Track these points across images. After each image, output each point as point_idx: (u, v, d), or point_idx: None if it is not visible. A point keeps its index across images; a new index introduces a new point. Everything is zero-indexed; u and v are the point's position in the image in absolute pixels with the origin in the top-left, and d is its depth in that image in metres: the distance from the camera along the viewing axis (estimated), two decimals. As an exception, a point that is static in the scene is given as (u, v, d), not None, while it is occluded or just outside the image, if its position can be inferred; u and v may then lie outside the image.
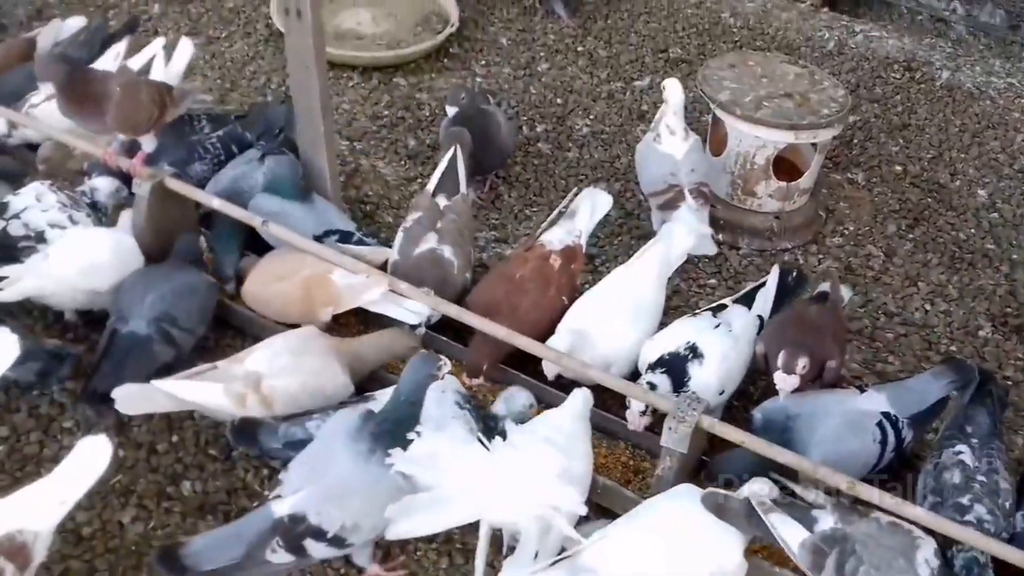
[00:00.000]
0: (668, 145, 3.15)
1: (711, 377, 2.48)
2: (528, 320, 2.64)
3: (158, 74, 3.21)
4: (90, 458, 2.04)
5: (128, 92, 2.79)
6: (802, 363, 2.36)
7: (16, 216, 2.68)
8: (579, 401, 2.31)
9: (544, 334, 2.62)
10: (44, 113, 3.08)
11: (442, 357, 2.22)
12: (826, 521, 2.07)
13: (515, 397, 2.43)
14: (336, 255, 2.65)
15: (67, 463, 2.05)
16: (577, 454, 2.19)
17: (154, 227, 2.79)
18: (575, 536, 2.07)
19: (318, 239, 2.76)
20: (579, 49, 4.22)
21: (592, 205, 2.94)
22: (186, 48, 3.32)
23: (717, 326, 2.59)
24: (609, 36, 4.31)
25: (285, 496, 2.12)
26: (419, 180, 3.51)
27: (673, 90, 3.16)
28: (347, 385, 2.47)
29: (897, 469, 2.47)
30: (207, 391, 2.32)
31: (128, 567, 2.27)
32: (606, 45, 4.25)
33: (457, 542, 2.36)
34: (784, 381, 2.38)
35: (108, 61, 3.36)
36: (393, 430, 2.13)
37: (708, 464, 2.42)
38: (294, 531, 2.08)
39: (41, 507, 1.97)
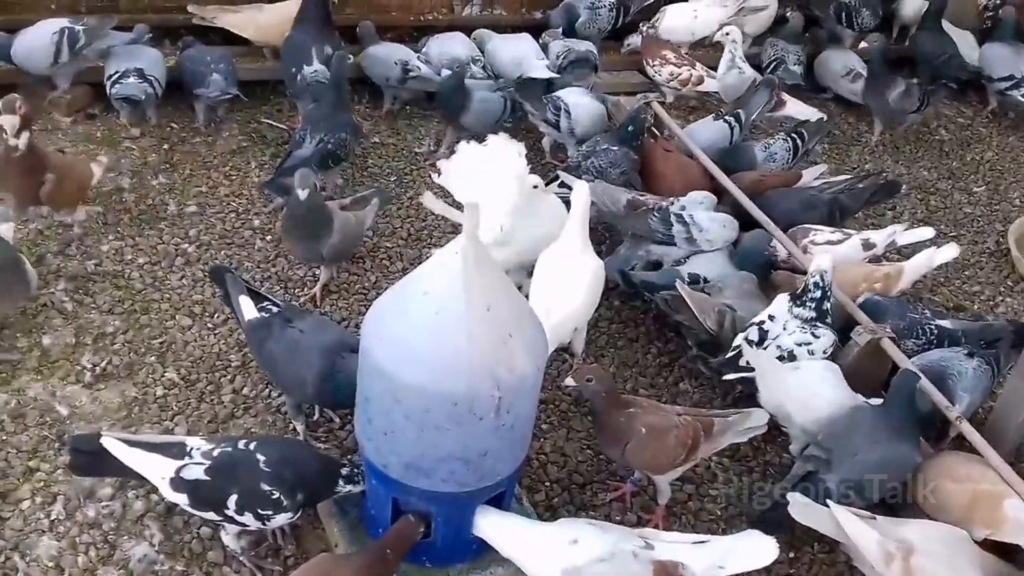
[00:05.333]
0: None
1: None
2: None
3: (917, 264, 3.56)
4: (757, 552, 2.38)
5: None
6: None
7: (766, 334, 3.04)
8: None
9: None
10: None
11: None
12: None
13: None
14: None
15: (738, 542, 2.41)
16: None
17: (855, 369, 3.08)
18: None
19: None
20: None
21: None
22: (950, 251, 3.59)
23: None
24: None
25: None
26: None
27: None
28: (986, 605, 2.45)
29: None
30: (866, 534, 2.49)
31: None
32: None
33: None
34: None
35: (851, 246, 3.60)
36: None
37: None
38: None
39: (703, 561, 2.34)
